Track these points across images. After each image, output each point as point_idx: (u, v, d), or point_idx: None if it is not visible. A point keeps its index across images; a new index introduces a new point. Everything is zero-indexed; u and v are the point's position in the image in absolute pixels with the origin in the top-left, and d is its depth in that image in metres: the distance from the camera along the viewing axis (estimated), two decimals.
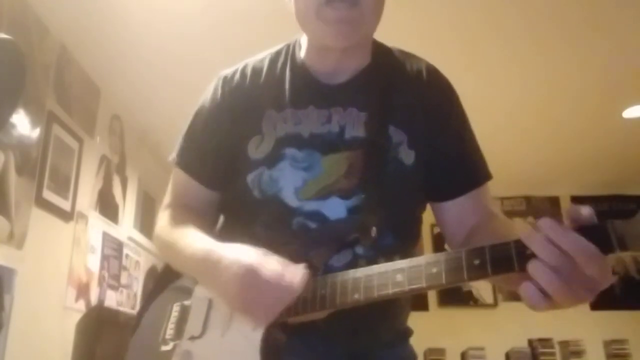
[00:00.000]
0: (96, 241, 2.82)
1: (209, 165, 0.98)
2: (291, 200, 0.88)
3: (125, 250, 3.23)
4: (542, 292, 0.61)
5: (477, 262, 0.65)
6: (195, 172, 0.99)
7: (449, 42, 2.59)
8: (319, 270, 0.80)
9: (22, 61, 1.96)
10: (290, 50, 1.01)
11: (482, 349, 4.13)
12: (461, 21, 2.48)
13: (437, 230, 4.56)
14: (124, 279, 3.17)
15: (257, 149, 0.92)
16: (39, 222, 2.24)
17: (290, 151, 0.90)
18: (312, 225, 0.87)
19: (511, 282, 0.68)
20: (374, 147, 0.89)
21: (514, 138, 3.53)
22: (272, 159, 0.90)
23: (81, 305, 2.59)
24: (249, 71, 1.00)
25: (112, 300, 2.99)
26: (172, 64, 2.76)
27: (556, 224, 0.59)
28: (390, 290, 0.70)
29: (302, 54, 0.98)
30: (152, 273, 3.74)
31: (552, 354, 4.16)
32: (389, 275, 0.71)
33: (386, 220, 0.86)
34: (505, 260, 0.63)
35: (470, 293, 4.51)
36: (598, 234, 0.58)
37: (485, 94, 3.01)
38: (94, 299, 2.74)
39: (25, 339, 2.09)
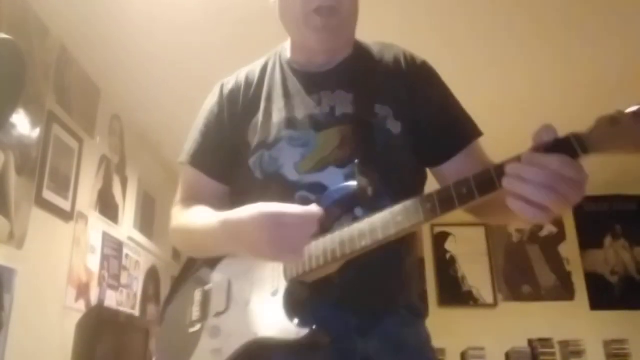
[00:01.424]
0: (96, 241, 2.82)
1: (218, 160, 1.06)
2: (291, 174, 0.95)
3: (125, 250, 3.22)
4: (529, 203, 0.68)
5: (464, 190, 0.74)
6: (206, 168, 1.07)
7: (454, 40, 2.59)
8: (324, 233, 0.86)
9: (22, 61, 1.96)
10: (277, 54, 1.13)
11: (482, 349, 4.13)
12: (457, 18, 2.49)
13: (437, 230, 4.57)
14: (124, 279, 3.17)
15: (256, 136, 1.01)
16: (39, 222, 2.24)
17: (287, 132, 0.99)
18: (314, 197, 0.92)
19: (498, 210, 0.80)
20: (363, 122, 0.98)
21: (514, 138, 3.53)
22: (271, 142, 0.99)
23: (81, 305, 2.59)
24: (243, 76, 1.11)
25: (112, 300, 2.99)
26: (172, 64, 2.76)
27: (530, 152, 0.70)
28: (393, 230, 0.79)
29: (288, 54, 1.10)
30: (152, 273, 3.74)
31: (552, 354, 4.16)
32: (389, 218, 0.80)
33: (381, 182, 0.91)
34: (488, 183, 0.72)
35: (470, 293, 4.51)
36: (564, 146, 0.70)
37: (484, 94, 3.01)
38: (94, 299, 2.74)
39: (25, 339, 2.08)
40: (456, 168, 0.98)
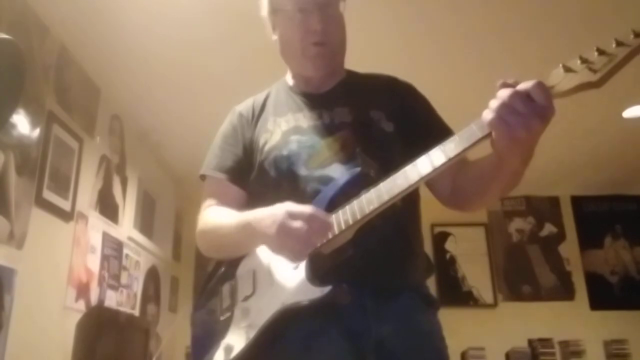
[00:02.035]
0: (96, 241, 2.82)
1: (237, 168, 1.20)
2: (301, 170, 1.09)
3: (125, 250, 3.23)
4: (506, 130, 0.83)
5: (452, 145, 0.88)
6: (229, 175, 1.21)
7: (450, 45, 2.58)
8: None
9: (22, 61, 1.96)
10: (279, 84, 1.31)
11: (482, 349, 4.13)
12: (458, 16, 2.49)
13: (437, 230, 4.57)
14: (124, 279, 3.17)
15: (267, 143, 1.16)
16: (39, 222, 2.24)
17: (295, 137, 1.14)
18: (323, 187, 1.05)
19: (483, 170, 0.99)
20: (360, 124, 1.14)
21: None
22: (282, 145, 1.14)
23: (81, 305, 2.59)
24: (250, 101, 1.29)
25: (112, 300, 2.99)
26: (172, 64, 2.76)
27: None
28: (396, 190, 0.91)
29: (289, 83, 1.29)
30: (152, 273, 3.74)
31: (552, 354, 4.16)
32: (391, 182, 0.93)
33: (381, 171, 1.01)
34: (470, 135, 0.86)
35: (470, 293, 4.51)
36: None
37: (485, 94, 3.01)
38: (94, 299, 2.74)
39: (25, 339, 2.09)
40: None
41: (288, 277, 0.99)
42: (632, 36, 0.77)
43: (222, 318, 1.06)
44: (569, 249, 4.65)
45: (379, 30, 2.51)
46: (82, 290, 2.61)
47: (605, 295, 4.51)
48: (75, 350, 2.40)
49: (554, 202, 4.79)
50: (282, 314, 0.96)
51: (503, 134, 0.83)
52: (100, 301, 2.82)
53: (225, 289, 1.10)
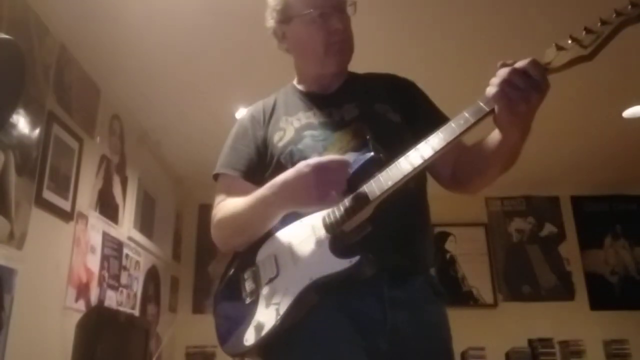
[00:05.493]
0: (96, 241, 2.82)
1: (250, 164, 1.25)
2: None
3: (125, 250, 3.23)
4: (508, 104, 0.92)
5: (461, 121, 0.96)
6: (242, 171, 1.25)
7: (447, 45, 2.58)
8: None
9: (22, 61, 1.96)
10: (287, 88, 1.36)
11: (482, 349, 4.13)
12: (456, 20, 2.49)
13: (437, 230, 4.56)
14: (124, 279, 3.17)
15: (281, 140, 1.22)
16: (39, 222, 2.24)
17: (308, 132, 1.21)
18: None
19: (487, 150, 1.07)
20: (368, 116, 1.21)
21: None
22: (296, 140, 1.20)
23: (81, 305, 2.59)
24: (260, 104, 1.34)
25: (112, 300, 2.99)
26: (172, 64, 2.76)
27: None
28: (409, 167, 0.98)
29: (298, 86, 1.35)
30: (152, 273, 3.74)
31: (552, 354, 4.16)
32: (404, 160, 0.99)
33: (392, 157, 1.05)
34: (478, 111, 0.95)
35: (470, 293, 4.51)
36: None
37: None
38: (94, 299, 2.74)
39: (25, 339, 2.09)
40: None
41: (312, 255, 1.04)
42: (614, 15, 0.89)
43: (247, 302, 1.10)
44: (569, 249, 4.65)
45: (369, 34, 2.51)
46: (82, 290, 2.61)
47: (605, 295, 4.51)
48: (75, 350, 2.40)
49: (554, 202, 4.79)
50: (312, 288, 1.00)
51: (506, 107, 0.91)
52: (100, 301, 2.82)
53: (247, 274, 1.13)
